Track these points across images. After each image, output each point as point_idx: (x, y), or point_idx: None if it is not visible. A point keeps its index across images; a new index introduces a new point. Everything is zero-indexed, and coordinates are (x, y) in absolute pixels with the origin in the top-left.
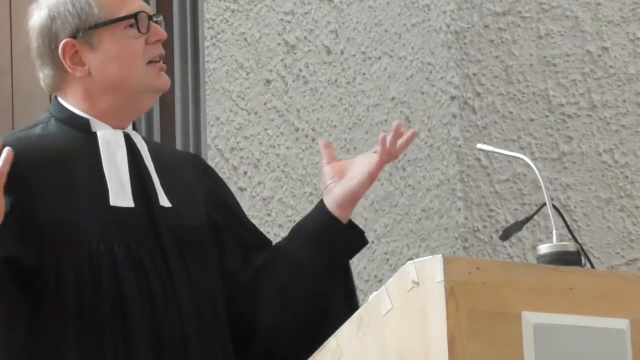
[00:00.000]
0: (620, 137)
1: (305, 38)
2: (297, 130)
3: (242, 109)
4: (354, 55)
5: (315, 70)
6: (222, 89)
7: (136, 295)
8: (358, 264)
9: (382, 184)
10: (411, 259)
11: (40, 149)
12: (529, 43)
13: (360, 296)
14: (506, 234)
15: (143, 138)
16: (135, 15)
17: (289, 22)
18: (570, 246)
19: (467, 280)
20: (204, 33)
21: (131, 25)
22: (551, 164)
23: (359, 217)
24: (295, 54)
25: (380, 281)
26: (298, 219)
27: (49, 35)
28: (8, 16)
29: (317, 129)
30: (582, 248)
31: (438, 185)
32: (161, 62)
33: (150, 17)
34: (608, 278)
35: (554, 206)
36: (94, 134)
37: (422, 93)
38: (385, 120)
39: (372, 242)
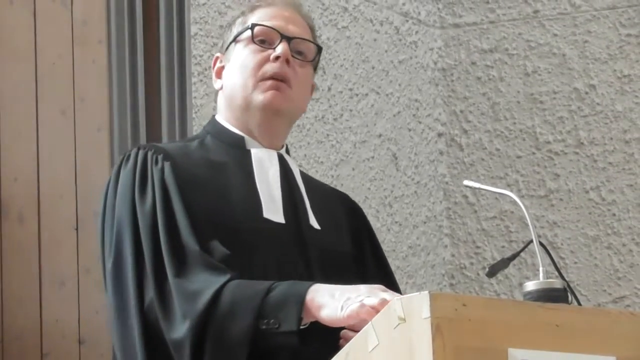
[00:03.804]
0: (607, 174)
1: None
2: None
3: None
4: (341, 92)
5: None
6: None
7: None
8: None
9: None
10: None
11: (196, 158)
12: (516, 80)
13: None
14: (493, 271)
15: None
16: (251, 27)
17: None
18: (557, 283)
19: (454, 317)
20: (191, 69)
21: (256, 40)
22: (538, 201)
23: None
24: None
25: None
26: None
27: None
28: None
29: (304, 165)
30: (569, 285)
31: (425, 222)
32: (280, 81)
33: (287, 38)
34: (595, 315)
35: (540, 243)
36: (248, 152)
37: (409, 130)
38: (372, 157)
39: None
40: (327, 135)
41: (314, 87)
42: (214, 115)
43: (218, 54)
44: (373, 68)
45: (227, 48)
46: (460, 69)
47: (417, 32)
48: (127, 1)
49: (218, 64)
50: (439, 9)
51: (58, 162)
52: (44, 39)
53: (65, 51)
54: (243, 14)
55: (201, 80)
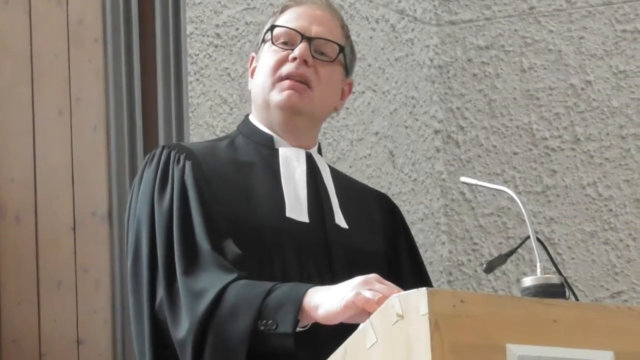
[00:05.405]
0: (604, 170)
1: None
2: None
3: None
4: None
5: None
6: (206, 124)
7: None
8: None
9: None
10: None
11: (223, 158)
12: (512, 77)
13: None
14: (490, 267)
15: (329, 165)
16: (270, 28)
17: None
18: (555, 279)
19: (452, 313)
20: (188, 68)
21: (277, 42)
22: (535, 197)
23: None
24: None
25: None
26: None
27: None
28: None
29: None
30: (566, 281)
31: (422, 219)
32: (299, 82)
33: (307, 38)
34: (592, 311)
35: (538, 239)
36: (277, 151)
37: (406, 127)
38: (369, 155)
39: None
40: (324, 133)
41: (351, 85)
42: (247, 115)
43: (253, 54)
44: (369, 66)
45: (259, 48)
46: (457, 66)
47: (413, 29)
48: (123, 0)
49: (254, 64)
50: (434, 6)
51: (55, 162)
52: (39, 39)
53: (61, 50)
54: (274, 14)
55: (197, 80)
